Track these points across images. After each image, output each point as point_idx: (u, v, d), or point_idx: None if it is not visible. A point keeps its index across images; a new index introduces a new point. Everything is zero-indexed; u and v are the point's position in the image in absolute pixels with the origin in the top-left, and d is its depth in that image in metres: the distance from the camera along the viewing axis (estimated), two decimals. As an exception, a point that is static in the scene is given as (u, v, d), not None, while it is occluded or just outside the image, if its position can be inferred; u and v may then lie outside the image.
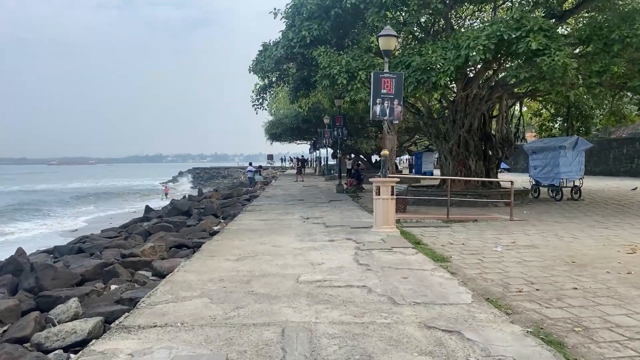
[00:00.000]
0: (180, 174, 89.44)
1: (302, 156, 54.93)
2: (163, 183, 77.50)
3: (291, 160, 72.87)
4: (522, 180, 21.65)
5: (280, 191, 23.43)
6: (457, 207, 14.65)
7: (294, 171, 49.26)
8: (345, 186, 22.78)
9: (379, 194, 9.58)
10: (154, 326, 4.48)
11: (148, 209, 20.87)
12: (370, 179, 10.26)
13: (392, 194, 9.56)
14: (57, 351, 5.00)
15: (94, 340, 4.25)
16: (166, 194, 45.24)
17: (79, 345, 5.12)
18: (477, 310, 4.86)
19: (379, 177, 10.44)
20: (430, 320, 4.54)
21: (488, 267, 7.06)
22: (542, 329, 4.46)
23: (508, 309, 5.05)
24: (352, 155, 47.53)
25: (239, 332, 4.30)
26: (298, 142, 52.75)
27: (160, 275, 8.14)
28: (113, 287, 7.58)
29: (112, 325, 4.62)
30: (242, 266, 6.91)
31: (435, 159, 48.54)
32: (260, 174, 29.03)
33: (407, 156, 57.93)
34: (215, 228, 13.19)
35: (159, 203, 33.79)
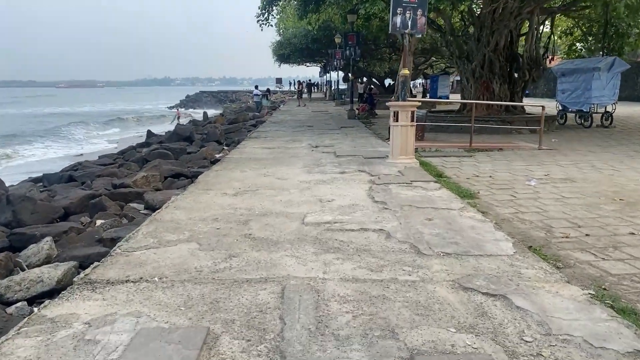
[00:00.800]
0: (188, 97, 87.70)
1: (310, 80, 52.81)
2: (170, 107, 76.18)
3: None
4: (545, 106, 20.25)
5: (288, 117, 22.29)
6: (478, 134, 13.54)
7: (305, 96, 47.50)
8: (357, 112, 21.55)
9: (397, 120, 8.49)
10: (126, 281, 3.66)
11: (150, 133, 19.92)
12: (387, 103, 9.13)
13: (412, 120, 8.47)
14: (19, 303, 4.26)
15: (47, 301, 3.44)
16: (178, 117, 44.03)
17: (47, 295, 4.38)
18: (521, 263, 3.96)
19: (396, 100, 9.31)
20: (466, 278, 3.66)
21: (523, 205, 6.12)
22: (605, 289, 3.58)
23: (557, 260, 4.16)
24: (364, 79, 45.61)
25: (228, 291, 3.47)
26: (308, 64, 50.53)
27: (152, 208, 7.34)
28: (99, 222, 6.80)
29: (75, 279, 3.81)
30: (240, 202, 6.04)
31: (452, 83, 46.42)
32: (267, 99, 27.59)
33: (420, 80, 55.55)
34: (217, 156, 12.29)
35: (166, 127, 32.76)
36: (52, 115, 57.28)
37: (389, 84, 50.86)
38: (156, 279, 3.71)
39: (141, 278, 3.72)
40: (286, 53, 39.22)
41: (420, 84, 56.07)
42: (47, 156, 23.75)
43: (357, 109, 22.10)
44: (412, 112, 8.44)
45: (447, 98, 37.56)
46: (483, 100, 15.87)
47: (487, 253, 4.19)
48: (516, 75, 16.53)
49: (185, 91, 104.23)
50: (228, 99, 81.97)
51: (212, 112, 44.88)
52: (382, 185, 6.89)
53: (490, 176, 8.02)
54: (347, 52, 21.09)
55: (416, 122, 9.49)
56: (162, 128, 30.68)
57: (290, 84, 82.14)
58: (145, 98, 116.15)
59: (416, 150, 9.69)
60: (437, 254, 4.16)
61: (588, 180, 7.69)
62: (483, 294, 3.39)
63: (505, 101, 15.82)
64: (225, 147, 14.62)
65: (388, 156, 9.19)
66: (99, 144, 28.88)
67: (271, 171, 8.22)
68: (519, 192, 6.90)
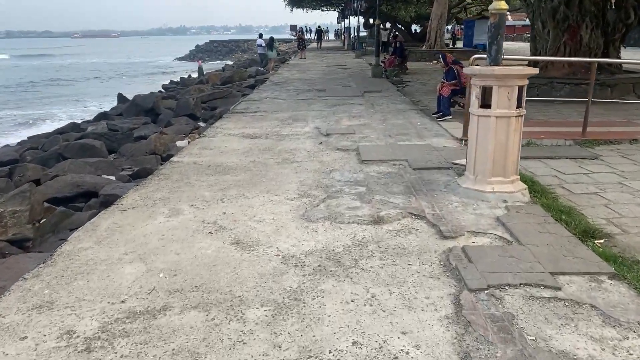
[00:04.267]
0: (198, 47, 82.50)
1: (319, 26, 47.16)
2: (178, 59, 71.62)
3: (310, 31, 61.67)
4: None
5: (296, 74, 17.76)
6: (562, 104, 9.20)
7: (315, 45, 42.15)
8: (382, 66, 16.93)
9: (485, 104, 4.17)
10: None
11: (121, 97, 15.63)
12: (465, 70, 4.68)
13: (520, 106, 4.13)
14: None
15: None
16: (199, 68, 39.63)
17: None
18: None
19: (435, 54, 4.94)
20: None
21: None
22: None
23: None
24: (388, 24, 40.17)
25: None
26: (324, 8, 45.08)
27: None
28: None
29: None
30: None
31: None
32: (273, 49, 22.72)
33: (449, 26, 49.10)
34: (179, 144, 8.12)
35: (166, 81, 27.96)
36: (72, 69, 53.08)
37: (415, 30, 45.18)
38: None
39: None
40: (299, -5, 34.03)
41: (450, 29, 49.19)
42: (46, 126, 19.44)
43: (382, 62, 17.48)
44: (521, 89, 4.10)
45: (484, 47, 32.31)
46: (564, 53, 11.28)
47: None
48: (609, 17, 11.68)
49: (201, 40, 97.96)
50: (240, 48, 76.69)
51: (219, 65, 40.25)
52: (488, 303, 2.67)
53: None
54: (372, -12, 16.25)
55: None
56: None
57: (310, 31, 74.81)
58: (158, 49, 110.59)
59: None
60: None
61: None
62: None
63: (597, 53, 11.16)
64: (200, 124, 10.45)
65: (457, 165, 4.95)
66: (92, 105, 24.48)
67: (232, 210, 4.08)
68: None
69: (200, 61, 50.75)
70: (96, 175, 6.31)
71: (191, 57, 73.65)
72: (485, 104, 4.27)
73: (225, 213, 4.04)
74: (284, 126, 7.81)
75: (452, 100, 8.70)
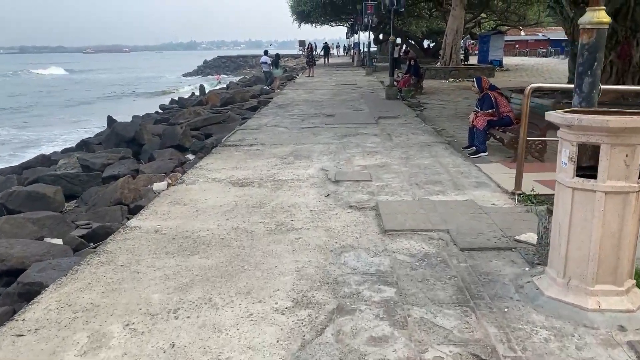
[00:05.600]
0: (205, 63, 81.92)
1: (326, 42, 45.90)
2: (185, 75, 70.91)
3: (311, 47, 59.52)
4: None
5: (302, 94, 16.33)
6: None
7: (322, 62, 40.83)
8: (396, 85, 15.48)
9: (582, 167, 2.66)
10: None
11: (110, 121, 14.21)
12: (552, 117, 3.07)
13: (645, 175, 2.63)
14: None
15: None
16: (219, 82, 39.03)
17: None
18: None
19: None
20: None
21: None
22: None
23: None
24: (398, 40, 38.91)
25: None
26: (333, 24, 43.93)
27: None
28: None
29: None
30: None
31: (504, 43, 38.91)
32: (278, 67, 21.34)
33: (461, 41, 47.50)
34: (157, 187, 6.65)
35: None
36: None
37: (428, 45, 43.83)
38: None
39: None
40: (306, 10, 32.89)
41: (463, 43, 47.48)
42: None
43: (396, 80, 16.04)
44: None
45: (500, 63, 30.82)
46: (612, 73, 9.78)
47: None
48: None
49: (211, 55, 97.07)
50: (247, 64, 75.89)
51: (233, 79, 39.16)
52: None
53: None
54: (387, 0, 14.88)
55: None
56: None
57: (314, 46, 73.95)
58: (168, 64, 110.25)
59: (535, 197, 3.79)
60: None
61: None
62: None
63: (649, 74, 9.63)
64: (189, 156, 8.99)
65: (522, 243, 3.43)
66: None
67: (187, 339, 2.58)
68: None
69: (218, 76, 50.18)
70: (36, 240, 4.85)
71: (199, 72, 73.07)
72: (582, 166, 2.76)
73: (174, 346, 2.53)
74: (283, 167, 6.33)
75: (487, 133, 7.20)
